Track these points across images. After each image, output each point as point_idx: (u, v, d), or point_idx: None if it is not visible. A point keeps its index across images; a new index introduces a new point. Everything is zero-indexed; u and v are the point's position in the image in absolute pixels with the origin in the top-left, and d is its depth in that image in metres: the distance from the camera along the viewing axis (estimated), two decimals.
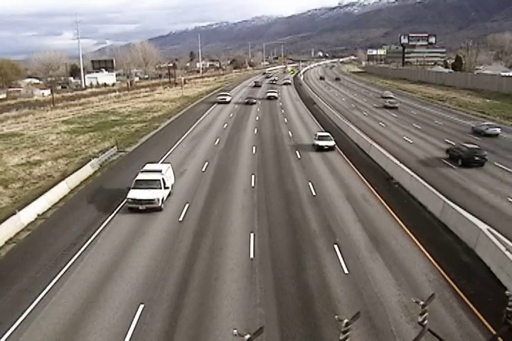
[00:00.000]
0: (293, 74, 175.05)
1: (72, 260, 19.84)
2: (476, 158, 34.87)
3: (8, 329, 14.98)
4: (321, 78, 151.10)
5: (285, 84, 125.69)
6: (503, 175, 32.51)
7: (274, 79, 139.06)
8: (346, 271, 18.46)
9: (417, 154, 38.86)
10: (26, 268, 19.21)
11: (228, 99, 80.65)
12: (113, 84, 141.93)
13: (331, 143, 41.01)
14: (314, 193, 28.40)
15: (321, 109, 69.44)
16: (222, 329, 14.79)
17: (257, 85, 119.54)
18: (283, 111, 69.29)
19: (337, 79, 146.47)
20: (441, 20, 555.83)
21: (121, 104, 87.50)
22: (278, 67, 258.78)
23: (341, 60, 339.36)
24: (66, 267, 19.19)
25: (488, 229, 19.42)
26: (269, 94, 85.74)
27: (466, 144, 37.35)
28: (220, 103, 77.66)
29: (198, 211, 25.57)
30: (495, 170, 34.04)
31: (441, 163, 36.14)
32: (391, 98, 78.63)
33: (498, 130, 47.87)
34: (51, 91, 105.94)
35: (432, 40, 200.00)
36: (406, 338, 14.13)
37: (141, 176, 27.06)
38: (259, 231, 22.51)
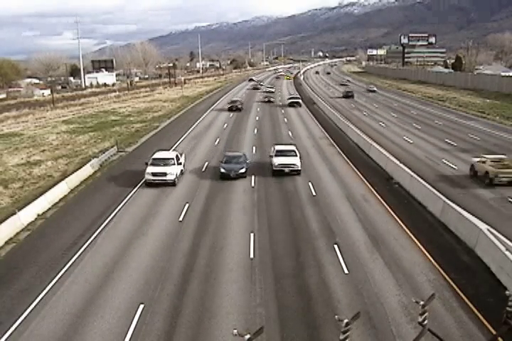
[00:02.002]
0: (290, 80, 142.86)
1: (72, 260, 19.84)
2: (349, 95, 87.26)
3: (8, 329, 14.96)
4: (316, 72, 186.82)
5: (292, 104, 73.45)
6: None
7: (269, 91, 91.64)
8: (346, 271, 18.44)
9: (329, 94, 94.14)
10: (26, 268, 19.20)
11: (170, 173, 30.34)
12: (113, 84, 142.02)
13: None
14: (314, 193, 28.40)
15: (321, 109, 69.43)
16: (222, 329, 14.78)
17: (234, 108, 67.75)
18: (283, 111, 69.28)
19: (328, 73, 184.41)
20: (441, 20, 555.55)
21: (121, 104, 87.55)
22: (278, 67, 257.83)
23: (348, 58, 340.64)
24: (66, 267, 19.18)
25: (488, 229, 19.42)
26: (279, 162, 32.30)
27: (346, 90, 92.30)
28: (149, 185, 30.55)
29: (198, 211, 25.56)
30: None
31: (338, 98, 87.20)
32: (348, 81, 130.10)
33: (375, 88, 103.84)
34: (51, 91, 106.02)
35: (432, 40, 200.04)
36: (406, 338, 14.12)
37: None
38: (259, 231, 22.50)
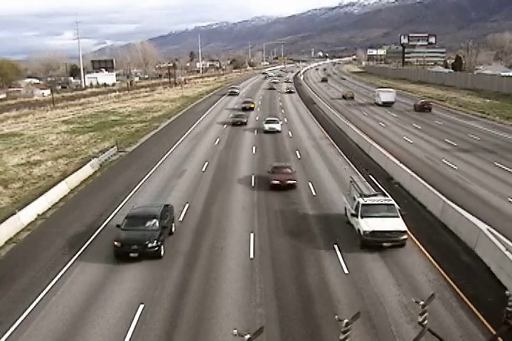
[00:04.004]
0: (294, 92, 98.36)
1: (73, 260, 19.84)
2: (325, 79, 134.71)
3: (8, 329, 14.96)
4: (316, 69, 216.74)
5: (380, 243, 20.23)
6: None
7: (272, 130, 49.52)
8: (346, 271, 18.44)
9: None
10: (26, 268, 19.20)
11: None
12: (113, 84, 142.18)
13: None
14: (314, 193, 28.38)
15: (320, 109, 69.41)
16: (222, 329, 14.78)
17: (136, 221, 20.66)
18: (283, 111, 69.26)
19: (324, 69, 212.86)
20: (441, 20, 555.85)
21: (121, 104, 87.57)
22: (278, 67, 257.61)
23: (354, 57, 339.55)
24: (66, 267, 19.18)
25: (488, 229, 19.41)
26: None
27: (323, 76, 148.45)
28: None
29: (198, 211, 25.56)
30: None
31: (319, 82, 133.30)
32: (329, 75, 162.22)
33: (346, 77, 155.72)
34: (51, 91, 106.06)
35: (432, 40, 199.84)
36: (406, 338, 14.12)
37: None
38: (259, 231, 22.49)
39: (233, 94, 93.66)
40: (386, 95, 74.53)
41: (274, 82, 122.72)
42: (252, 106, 70.23)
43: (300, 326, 14.99)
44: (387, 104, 72.34)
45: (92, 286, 17.64)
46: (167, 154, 40.37)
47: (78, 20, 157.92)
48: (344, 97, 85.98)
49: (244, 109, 67.61)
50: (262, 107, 74.23)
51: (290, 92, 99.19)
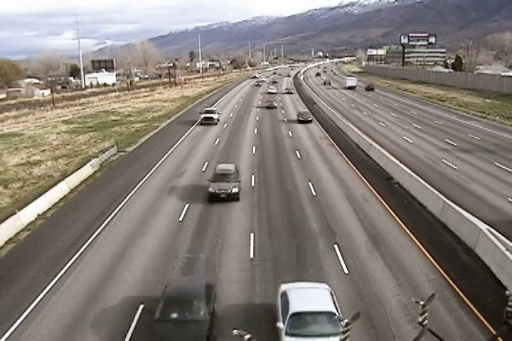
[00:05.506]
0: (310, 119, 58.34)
1: (72, 260, 19.85)
2: (318, 74, 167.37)
3: (8, 329, 14.97)
4: (318, 67, 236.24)
5: None
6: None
7: None
8: (346, 271, 18.44)
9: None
10: (26, 268, 19.21)
11: None
12: (113, 84, 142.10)
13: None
14: (314, 193, 28.38)
15: (320, 109, 69.40)
16: (222, 329, 14.76)
17: None
18: (283, 111, 69.25)
19: (324, 67, 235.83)
20: (441, 20, 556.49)
21: (121, 104, 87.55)
22: (277, 67, 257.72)
23: (358, 56, 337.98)
24: (66, 267, 19.20)
25: (488, 229, 19.41)
26: None
27: (317, 71, 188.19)
28: None
29: (198, 211, 25.55)
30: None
31: (314, 76, 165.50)
32: (324, 72, 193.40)
33: (337, 72, 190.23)
34: (51, 91, 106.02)
35: (432, 40, 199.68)
36: (406, 338, 14.12)
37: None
38: (259, 231, 22.49)
39: (209, 122, 56.11)
40: (350, 81, 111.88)
41: (271, 93, 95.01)
42: (236, 190, 26.95)
43: None
44: (351, 88, 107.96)
45: (92, 286, 17.65)
46: (167, 154, 40.37)
47: (78, 20, 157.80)
48: (324, 83, 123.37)
49: (216, 199, 26.88)
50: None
51: (305, 121, 57.21)
